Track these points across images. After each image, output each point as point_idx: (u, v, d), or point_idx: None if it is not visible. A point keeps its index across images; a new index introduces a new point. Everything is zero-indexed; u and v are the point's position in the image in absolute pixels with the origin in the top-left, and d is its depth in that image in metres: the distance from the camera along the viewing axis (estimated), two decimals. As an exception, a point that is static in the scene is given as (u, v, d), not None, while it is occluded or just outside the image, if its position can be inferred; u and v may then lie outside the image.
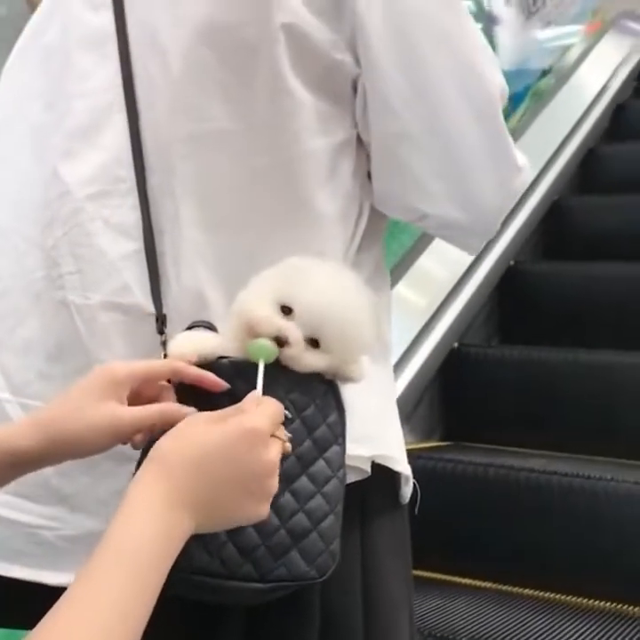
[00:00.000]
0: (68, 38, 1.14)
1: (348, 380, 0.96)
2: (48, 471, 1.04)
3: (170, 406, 0.89)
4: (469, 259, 3.16)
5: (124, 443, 0.89)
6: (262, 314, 0.91)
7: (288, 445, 0.84)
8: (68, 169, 1.09)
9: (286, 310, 0.92)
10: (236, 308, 0.93)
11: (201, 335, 0.96)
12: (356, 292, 0.95)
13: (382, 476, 1.09)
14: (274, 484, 0.82)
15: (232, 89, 1.03)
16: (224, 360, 0.93)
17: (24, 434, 0.86)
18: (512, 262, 3.56)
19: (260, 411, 0.82)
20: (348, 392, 0.97)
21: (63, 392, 0.89)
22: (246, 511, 0.81)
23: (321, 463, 0.93)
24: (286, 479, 0.90)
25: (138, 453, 0.91)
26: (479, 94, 1.06)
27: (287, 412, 0.90)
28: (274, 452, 0.81)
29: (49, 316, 1.09)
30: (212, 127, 1.04)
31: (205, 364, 0.93)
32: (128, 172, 1.06)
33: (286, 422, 0.89)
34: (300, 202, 1.04)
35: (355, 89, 1.06)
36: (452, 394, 3.08)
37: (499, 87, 1.08)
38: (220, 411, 0.83)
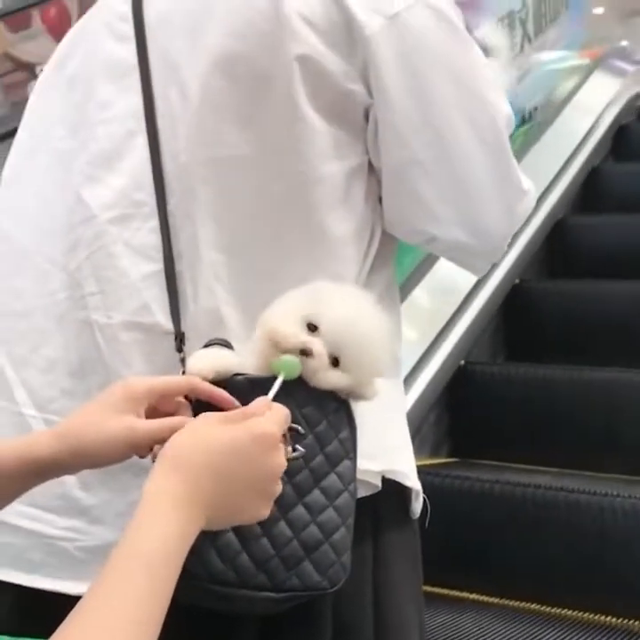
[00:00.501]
0: (92, 68, 1.18)
1: (361, 398, 0.99)
2: (69, 483, 1.07)
3: (185, 420, 0.91)
4: (473, 278, 3.19)
5: (141, 456, 0.91)
6: (289, 328, 0.95)
7: (289, 449, 0.87)
8: (91, 193, 1.13)
9: (312, 328, 0.96)
10: (263, 324, 0.97)
11: (217, 353, 0.99)
12: (376, 316, 0.99)
13: (393, 490, 1.11)
14: (279, 487, 0.85)
15: (248, 117, 1.07)
16: (240, 377, 0.96)
17: (46, 443, 0.89)
18: (517, 280, 3.59)
19: (272, 416, 0.85)
20: (359, 408, 1.00)
21: (83, 405, 0.92)
22: (251, 511, 0.85)
23: (333, 477, 0.96)
24: (299, 492, 0.94)
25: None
26: (486, 124, 1.09)
27: (300, 428, 0.94)
28: (282, 456, 0.85)
29: (72, 336, 1.12)
30: (230, 153, 1.07)
31: (221, 381, 0.96)
32: (148, 197, 1.09)
33: (299, 437, 0.93)
34: (315, 225, 1.07)
35: (366, 117, 1.09)
36: (458, 411, 3.09)
37: (505, 117, 1.11)
38: (227, 412, 0.86)
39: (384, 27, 1.05)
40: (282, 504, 0.93)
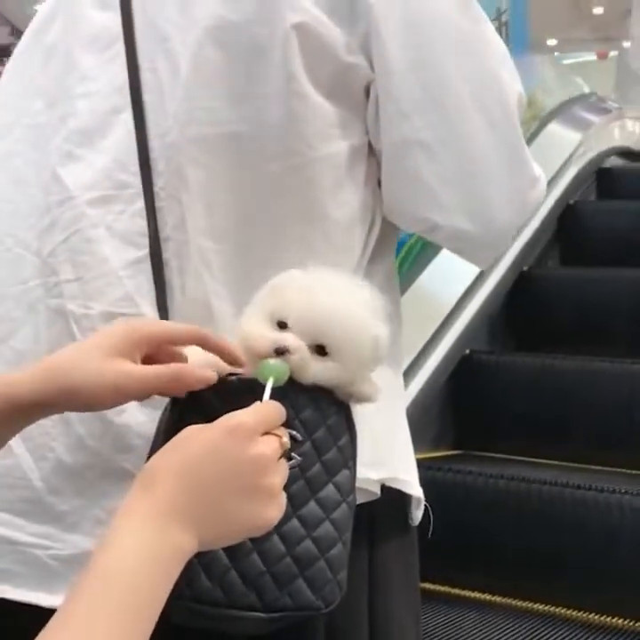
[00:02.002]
0: (73, 37, 1.11)
1: (362, 399, 0.92)
2: (38, 488, 1.01)
3: (185, 368, 0.85)
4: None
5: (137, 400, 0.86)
6: (256, 332, 0.88)
7: (286, 441, 0.79)
8: (69, 172, 1.06)
9: (282, 324, 0.89)
10: (236, 334, 0.91)
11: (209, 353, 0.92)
12: (350, 289, 0.92)
13: (392, 497, 1.06)
14: (274, 480, 0.76)
15: (242, 91, 1.00)
16: (233, 377, 0.90)
17: (29, 379, 0.83)
18: (525, 268, 3.52)
19: (248, 409, 0.78)
20: (360, 417, 0.93)
21: (77, 342, 0.88)
22: (251, 516, 0.76)
23: (330, 488, 0.89)
24: (294, 505, 0.86)
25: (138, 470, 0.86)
26: (495, 101, 1.03)
27: (297, 434, 0.87)
28: (262, 446, 0.75)
29: (43, 326, 1.05)
30: (223, 131, 1.01)
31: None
32: (133, 177, 1.03)
33: (296, 445, 0.86)
34: (312, 209, 1.02)
35: (367, 93, 1.03)
36: (463, 401, 3.04)
37: (517, 96, 1.05)
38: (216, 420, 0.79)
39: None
40: None
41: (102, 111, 1.06)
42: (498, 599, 2.32)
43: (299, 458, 0.86)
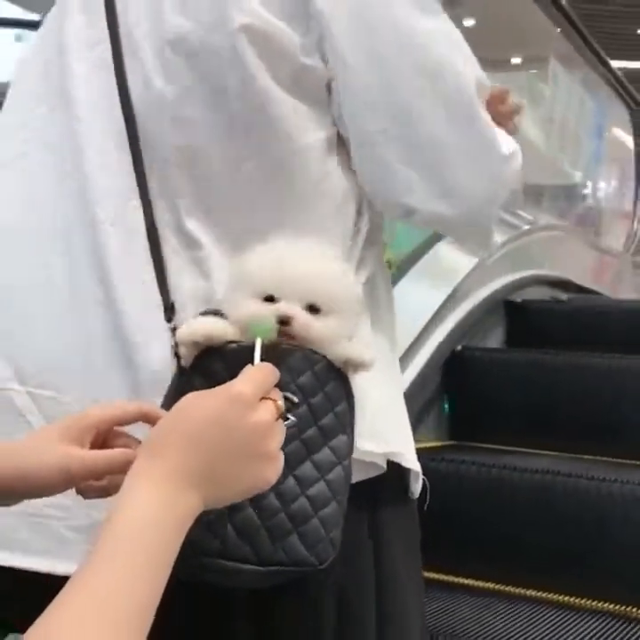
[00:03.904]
0: (67, 45, 1.14)
1: (359, 365, 0.97)
2: None
3: (125, 452, 0.87)
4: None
5: (79, 490, 0.89)
6: (253, 311, 0.94)
7: (280, 403, 0.83)
8: (81, 173, 1.10)
9: (270, 298, 0.95)
10: (234, 323, 0.96)
11: (210, 320, 0.98)
12: (318, 250, 0.98)
13: (392, 471, 1.09)
14: (272, 444, 0.81)
15: (207, 96, 1.04)
16: (233, 345, 0.95)
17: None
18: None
19: (244, 376, 0.82)
20: (359, 388, 0.98)
21: (41, 428, 0.92)
22: (252, 477, 0.80)
23: (326, 451, 0.94)
24: (290, 464, 0.91)
25: None
26: (452, 89, 1.05)
27: (294, 397, 0.92)
28: (262, 413, 0.80)
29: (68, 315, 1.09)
30: (198, 134, 1.04)
31: (215, 348, 0.95)
32: (130, 180, 1.07)
33: (293, 407, 0.92)
34: (294, 201, 1.05)
35: (329, 89, 1.06)
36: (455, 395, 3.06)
37: (474, 79, 1.07)
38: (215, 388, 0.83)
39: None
40: None
41: (100, 114, 1.11)
42: (491, 585, 2.34)
43: (294, 419, 0.91)
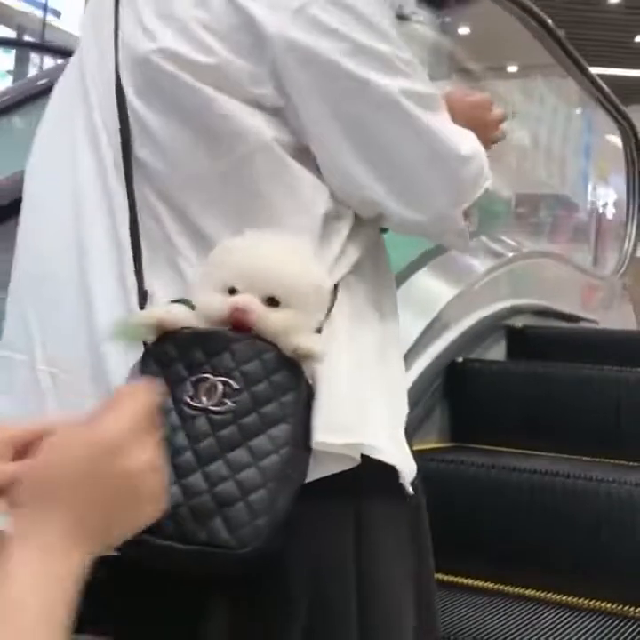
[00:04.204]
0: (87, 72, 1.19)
1: (306, 355, 0.99)
2: None
3: (20, 465, 0.79)
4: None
5: None
6: (212, 302, 0.99)
7: (157, 441, 0.79)
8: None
9: (233, 291, 0.99)
10: (198, 313, 1.01)
11: (170, 307, 1.02)
12: (288, 243, 1.02)
13: (377, 467, 1.08)
14: (151, 486, 0.76)
15: (179, 120, 1.08)
16: (186, 330, 0.99)
17: None
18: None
19: (113, 418, 0.76)
20: (324, 380, 1.01)
21: None
22: (134, 522, 0.77)
23: (263, 438, 0.95)
24: (222, 447, 0.94)
25: None
26: (388, 108, 1.08)
27: (234, 383, 0.95)
28: (134, 456, 0.75)
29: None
30: (170, 140, 1.09)
31: (169, 332, 1.00)
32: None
33: (232, 392, 0.95)
34: (259, 199, 1.08)
35: (280, 111, 1.09)
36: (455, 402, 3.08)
37: (397, 89, 1.08)
38: (87, 420, 0.77)
39: (286, 23, 1.05)
40: (201, 455, 0.94)
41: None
42: (490, 585, 2.37)
43: (231, 404, 0.94)
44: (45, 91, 2.43)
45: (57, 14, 9.18)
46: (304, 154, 1.10)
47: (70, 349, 1.09)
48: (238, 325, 0.98)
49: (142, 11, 1.12)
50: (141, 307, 1.04)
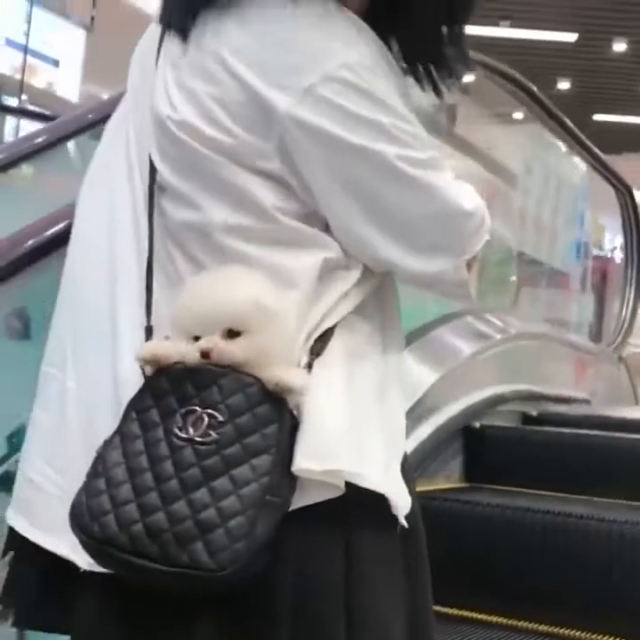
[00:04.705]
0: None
1: (287, 389, 1.05)
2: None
3: None
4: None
5: None
6: (185, 353, 1.07)
7: None
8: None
9: (196, 338, 1.07)
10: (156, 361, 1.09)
11: (163, 342, 1.10)
12: (230, 275, 1.10)
13: (367, 495, 1.11)
14: None
15: (201, 181, 1.15)
16: (179, 365, 1.07)
17: None
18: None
19: None
20: (309, 410, 1.07)
21: None
22: None
23: (246, 468, 1.02)
24: (206, 476, 1.01)
25: None
26: (397, 178, 1.13)
27: (219, 415, 1.03)
28: None
29: None
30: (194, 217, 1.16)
31: (163, 367, 1.07)
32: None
33: (217, 424, 1.02)
34: (257, 242, 1.13)
35: (289, 183, 1.14)
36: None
37: (393, 155, 1.12)
38: None
39: (294, 102, 1.10)
40: (186, 484, 1.01)
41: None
42: (503, 620, 2.38)
43: (215, 435, 1.02)
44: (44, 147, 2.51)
45: (56, 64, 8.28)
46: (311, 216, 1.16)
47: (96, 373, 1.17)
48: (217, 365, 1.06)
49: (167, 75, 1.18)
50: (146, 340, 1.12)
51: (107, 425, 1.10)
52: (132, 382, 1.11)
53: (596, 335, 6.63)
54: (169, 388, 1.07)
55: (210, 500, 1.00)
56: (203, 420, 1.03)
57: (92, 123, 2.54)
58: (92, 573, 1.08)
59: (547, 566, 2.43)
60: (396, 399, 1.22)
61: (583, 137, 5.09)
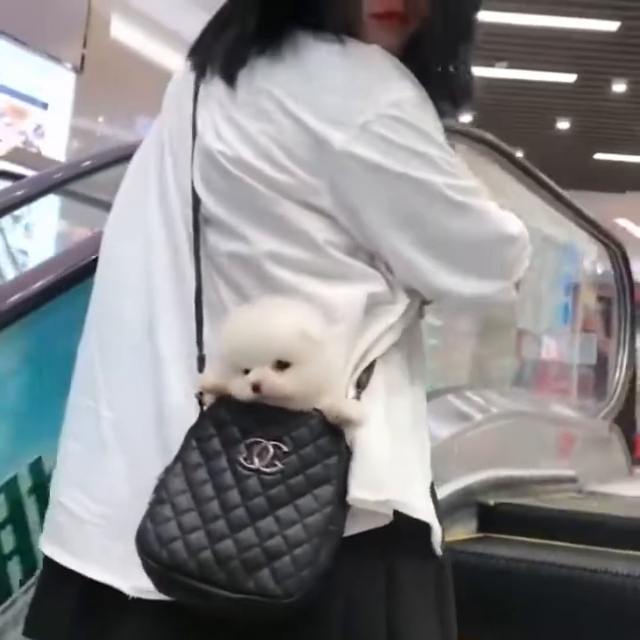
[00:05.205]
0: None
1: (346, 421, 1.09)
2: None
3: None
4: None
5: None
6: (237, 388, 1.09)
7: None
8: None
9: (246, 371, 1.09)
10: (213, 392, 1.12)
11: (224, 373, 1.11)
12: (275, 305, 1.12)
13: (409, 524, 1.15)
14: None
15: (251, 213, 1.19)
16: (235, 398, 1.10)
17: None
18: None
19: None
20: (362, 442, 1.10)
21: None
22: None
23: (309, 497, 1.04)
24: (272, 505, 1.04)
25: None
26: (447, 206, 1.18)
27: (284, 446, 1.06)
28: None
29: None
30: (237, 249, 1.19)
31: (223, 397, 1.10)
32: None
33: (282, 455, 1.05)
34: (305, 276, 1.17)
35: (336, 219, 1.18)
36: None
37: (441, 183, 1.18)
38: None
39: (350, 139, 1.14)
40: (253, 512, 1.03)
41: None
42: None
43: (281, 466, 1.05)
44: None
45: (44, 106, 7.88)
46: (358, 250, 1.20)
47: (135, 402, 1.20)
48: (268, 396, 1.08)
49: (214, 112, 1.22)
50: (200, 370, 1.15)
51: (150, 452, 1.14)
52: (181, 411, 1.14)
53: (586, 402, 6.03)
54: (230, 418, 1.09)
55: (276, 529, 1.02)
56: (268, 450, 1.06)
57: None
58: (137, 600, 1.11)
59: (558, 619, 2.47)
60: (425, 429, 1.27)
61: (569, 199, 4.86)
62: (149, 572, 1.05)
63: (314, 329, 1.10)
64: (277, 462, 1.05)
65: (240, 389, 1.09)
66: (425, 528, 1.17)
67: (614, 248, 5.51)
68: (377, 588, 1.14)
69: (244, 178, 1.17)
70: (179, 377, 1.17)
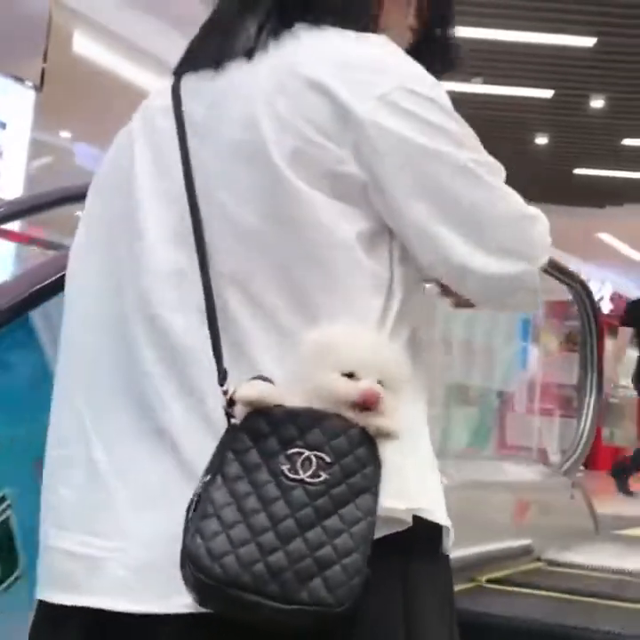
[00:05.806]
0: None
1: (387, 434, 1.10)
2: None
3: None
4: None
5: None
6: (338, 384, 1.09)
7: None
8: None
9: (349, 375, 1.09)
10: (313, 386, 1.10)
11: (263, 384, 1.10)
12: (371, 333, 1.15)
13: (424, 529, 1.17)
14: None
15: (264, 205, 1.16)
16: (278, 407, 1.08)
17: None
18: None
19: None
20: (394, 453, 1.11)
21: None
22: None
23: (352, 506, 1.05)
24: (319, 515, 1.04)
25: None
26: (472, 180, 1.19)
27: (326, 457, 1.06)
28: None
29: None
30: (250, 230, 1.17)
31: (263, 408, 1.08)
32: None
33: (325, 465, 1.06)
34: (334, 286, 1.16)
35: (365, 190, 1.18)
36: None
37: (467, 159, 1.19)
38: None
39: (372, 109, 1.16)
40: (301, 523, 1.03)
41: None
42: None
43: (326, 476, 1.05)
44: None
45: (2, 126, 7.63)
46: (376, 243, 1.19)
47: (133, 443, 1.17)
48: (366, 408, 1.08)
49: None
50: (221, 384, 1.11)
51: (159, 479, 1.13)
52: (184, 428, 1.13)
53: (545, 458, 5.59)
54: (269, 430, 1.08)
55: (325, 539, 1.03)
56: (311, 461, 1.06)
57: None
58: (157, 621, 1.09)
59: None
60: (428, 435, 1.26)
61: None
62: (200, 588, 1.02)
63: (407, 365, 1.16)
64: (322, 473, 1.05)
65: (340, 388, 1.08)
66: (438, 531, 1.20)
67: (578, 287, 4.57)
68: (394, 593, 1.16)
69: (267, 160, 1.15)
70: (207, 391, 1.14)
